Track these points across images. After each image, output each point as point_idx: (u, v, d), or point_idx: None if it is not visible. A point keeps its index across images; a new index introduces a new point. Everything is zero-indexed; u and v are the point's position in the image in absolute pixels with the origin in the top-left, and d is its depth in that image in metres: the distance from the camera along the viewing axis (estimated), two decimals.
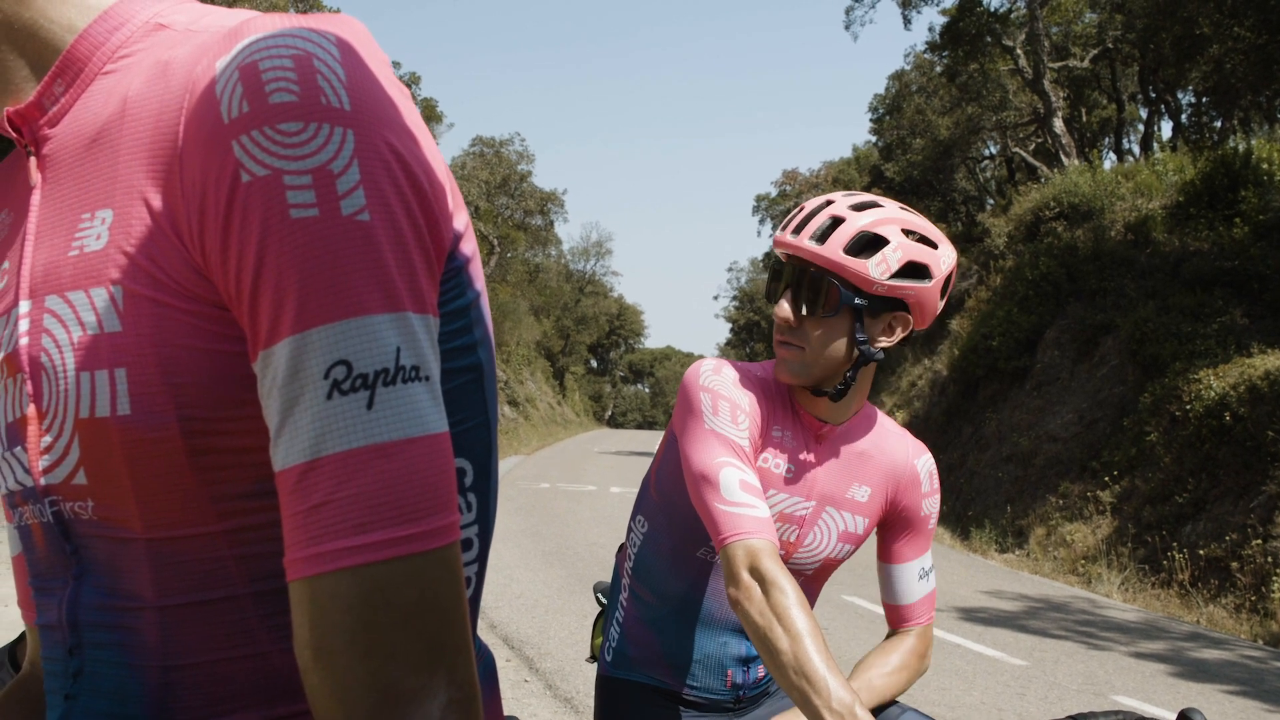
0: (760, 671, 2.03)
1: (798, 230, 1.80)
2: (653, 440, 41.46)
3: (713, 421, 1.80)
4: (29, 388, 0.77)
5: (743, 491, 1.72)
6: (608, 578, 2.92)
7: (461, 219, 0.80)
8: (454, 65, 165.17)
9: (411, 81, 36.63)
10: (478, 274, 0.83)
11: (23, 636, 2.03)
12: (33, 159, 0.82)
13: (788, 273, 1.83)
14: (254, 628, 0.76)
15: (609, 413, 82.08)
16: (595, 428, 62.78)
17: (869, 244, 1.76)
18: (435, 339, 0.73)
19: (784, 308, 1.81)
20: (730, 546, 1.68)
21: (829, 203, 1.82)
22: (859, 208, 1.80)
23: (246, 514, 0.75)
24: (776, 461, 1.89)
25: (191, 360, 0.72)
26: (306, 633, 0.67)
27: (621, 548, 2.18)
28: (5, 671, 2.01)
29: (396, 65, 36.89)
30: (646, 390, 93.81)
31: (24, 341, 0.77)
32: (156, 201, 0.72)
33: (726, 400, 1.82)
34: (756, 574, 1.64)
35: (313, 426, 0.67)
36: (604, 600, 2.55)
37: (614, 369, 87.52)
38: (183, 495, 0.74)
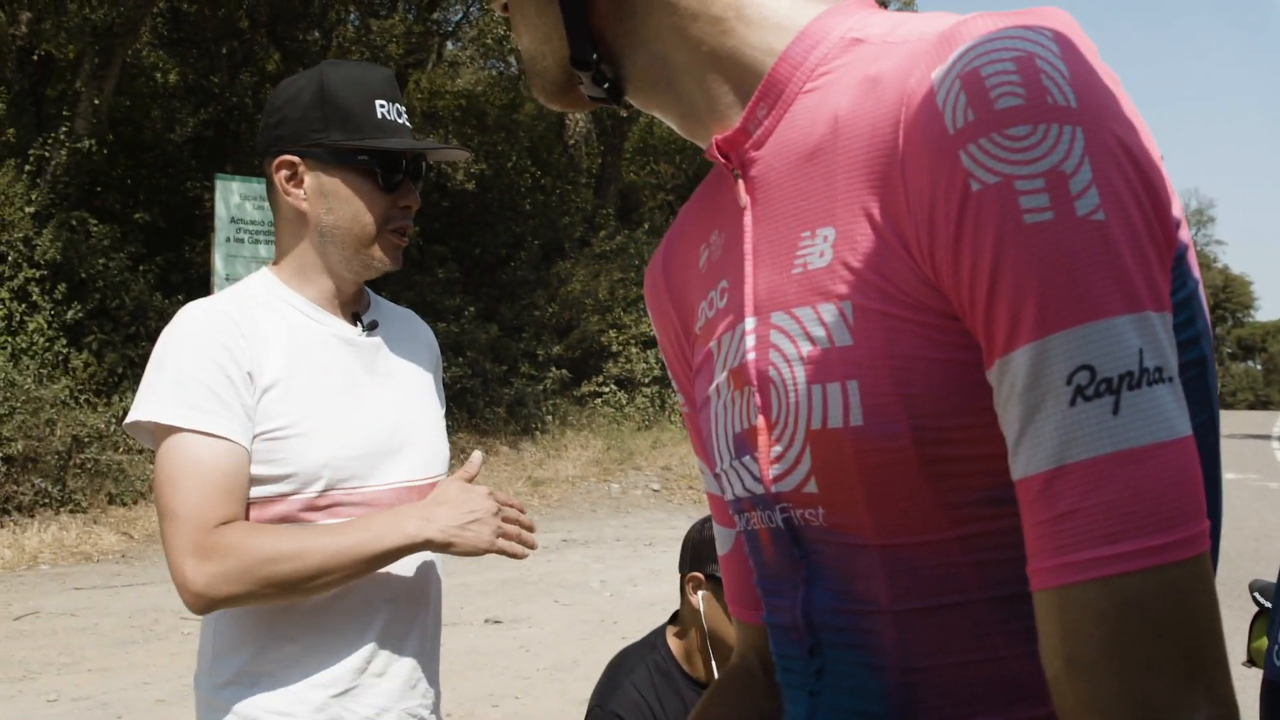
0: None
1: None
2: (1269, 421, 37.31)
3: None
4: (757, 400, 0.81)
5: None
6: (1263, 575, 3.02)
7: (1177, 205, 0.72)
8: None
9: None
10: (1194, 261, 0.76)
11: (674, 617, 2.28)
12: (740, 182, 0.85)
13: None
14: (990, 632, 0.75)
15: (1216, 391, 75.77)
16: None
17: None
18: (1173, 336, 0.67)
19: None
20: None
21: None
22: None
23: (979, 520, 0.74)
24: None
25: (922, 370, 0.72)
26: (1057, 643, 0.65)
27: None
28: (660, 654, 2.22)
29: None
30: (1259, 367, 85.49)
31: (751, 356, 0.81)
32: (879, 217, 0.73)
33: None
34: None
35: (1056, 434, 0.65)
36: (1263, 600, 2.46)
37: (1221, 345, 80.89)
38: (915, 503, 0.74)
